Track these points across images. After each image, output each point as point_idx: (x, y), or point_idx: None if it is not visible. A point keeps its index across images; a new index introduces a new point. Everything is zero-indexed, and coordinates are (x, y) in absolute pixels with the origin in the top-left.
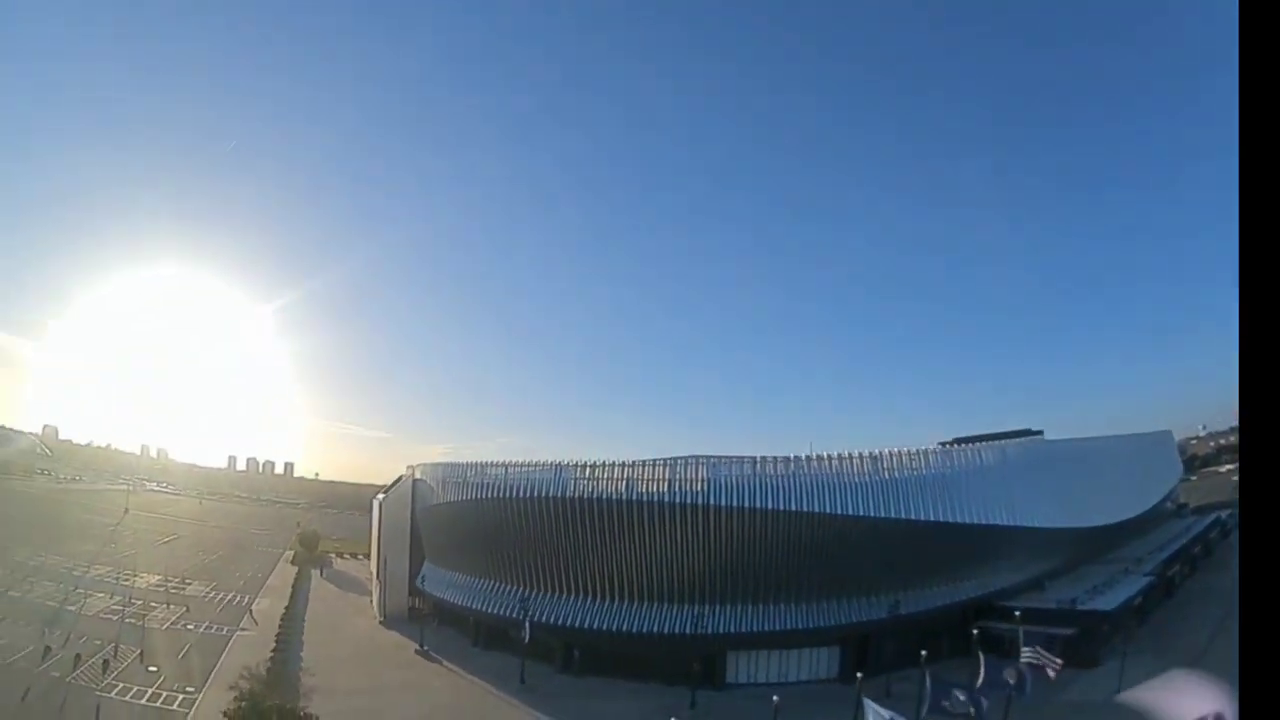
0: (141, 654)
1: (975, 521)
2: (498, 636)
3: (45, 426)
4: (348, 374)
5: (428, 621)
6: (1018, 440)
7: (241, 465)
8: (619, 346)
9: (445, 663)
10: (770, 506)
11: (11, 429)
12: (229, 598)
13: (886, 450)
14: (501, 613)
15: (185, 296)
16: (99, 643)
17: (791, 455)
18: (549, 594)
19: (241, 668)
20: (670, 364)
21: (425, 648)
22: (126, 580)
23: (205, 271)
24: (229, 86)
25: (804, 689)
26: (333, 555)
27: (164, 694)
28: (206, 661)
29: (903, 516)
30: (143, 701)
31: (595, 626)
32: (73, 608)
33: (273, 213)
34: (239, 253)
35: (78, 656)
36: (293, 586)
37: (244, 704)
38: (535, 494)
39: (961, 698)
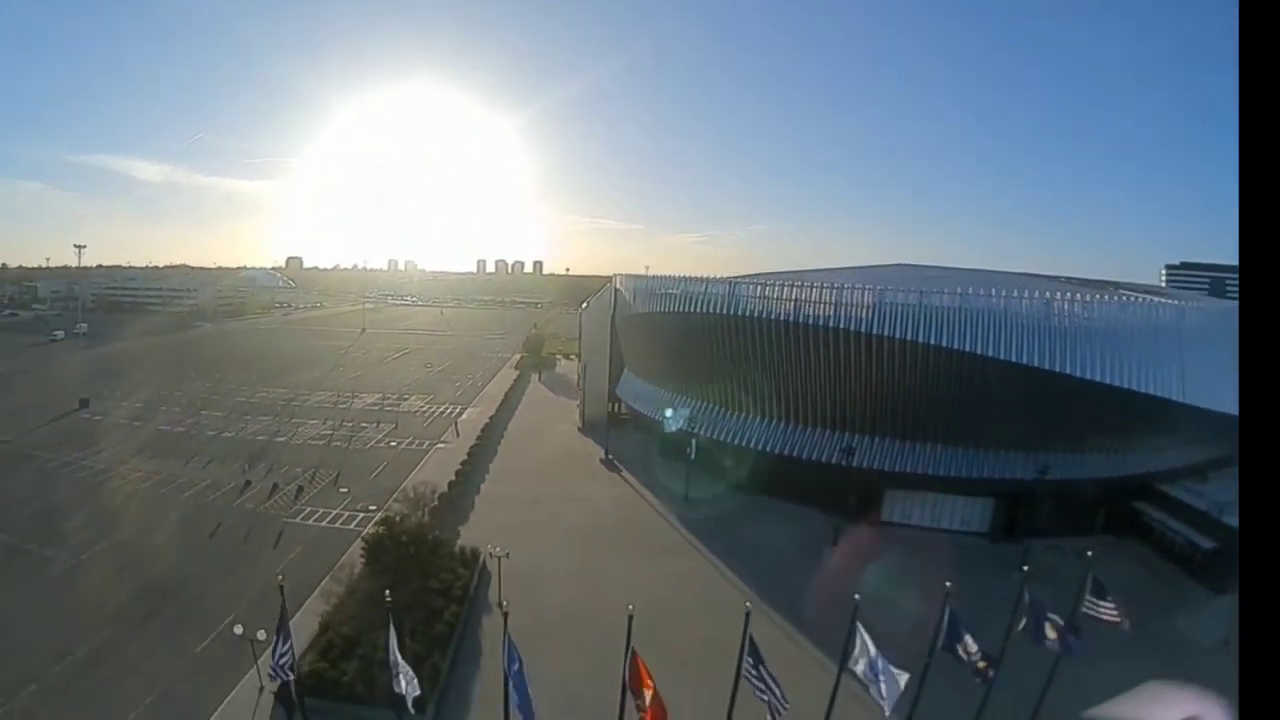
0: (338, 477)
1: (1145, 390)
2: (679, 447)
3: (289, 259)
4: (600, 171)
5: (624, 428)
6: (1199, 304)
7: (490, 268)
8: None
9: (624, 472)
10: (934, 342)
11: (256, 269)
12: (441, 411)
13: (1059, 295)
14: (680, 427)
15: (433, 112)
16: (300, 470)
17: (960, 290)
18: (720, 409)
19: (420, 484)
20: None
21: (610, 457)
22: (344, 404)
23: (454, 88)
24: None
25: (954, 540)
26: (559, 356)
27: (345, 514)
28: (396, 479)
29: (1072, 373)
30: (324, 524)
31: (760, 446)
32: (283, 439)
33: (524, 20)
34: (487, 66)
35: (275, 486)
36: (506, 394)
37: (380, 529)
38: (710, 309)
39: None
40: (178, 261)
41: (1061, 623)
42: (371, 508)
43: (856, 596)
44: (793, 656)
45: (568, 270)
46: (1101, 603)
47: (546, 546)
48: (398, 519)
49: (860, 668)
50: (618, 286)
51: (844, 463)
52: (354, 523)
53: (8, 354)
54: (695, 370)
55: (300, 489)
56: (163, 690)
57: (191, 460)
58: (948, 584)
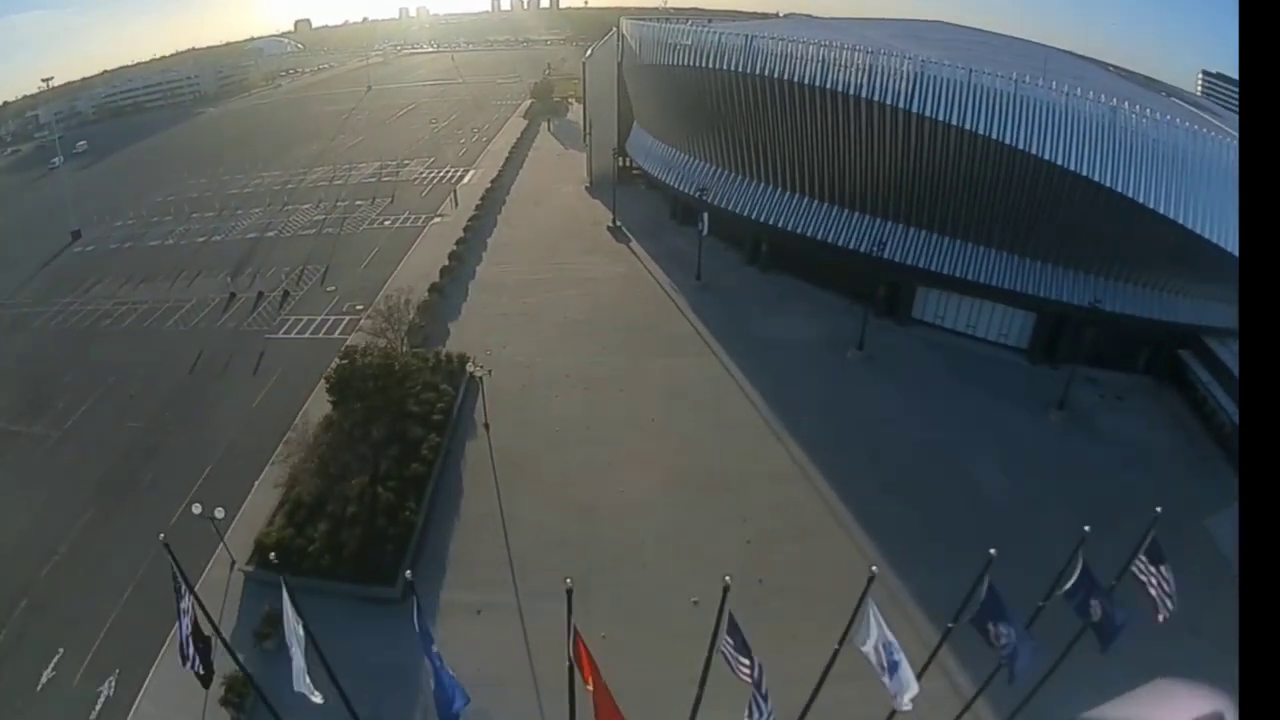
0: (325, 273)
1: (1207, 236)
2: (693, 214)
3: (297, 22)
4: None
5: (635, 186)
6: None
7: (505, 4)
8: None
9: (633, 243)
10: (982, 130)
11: (263, 39)
12: (442, 176)
13: (1125, 104)
14: (691, 191)
15: None
16: (287, 270)
17: (1017, 76)
18: (737, 177)
19: (396, 292)
20: None
21: (618, 224)
22: (340, 180)
23: None
24: None
25: (989, 356)
26: (571, 100)
27: (329, 320)
28: (387, 268)
29: (1136, 198)
30: (306, 335)
31: (780, 223)
32: (273, 233)
33: None
34: None
35: (260, 295)
36: (512, 150)
37: (343, 362)
38: (725, 65)
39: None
40: (184, 49)
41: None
42: (359, 307)
43: (874, 570)
44: (809, 509)
45: (586, 3)
46: (1155, 571)
47: (543, 343)
48: (361, 350)
49: (868, 648)
50: (624, 33)
51: (875, 253)
52: (339, 329)
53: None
54: (710, 132)
55: (286, 294)
56: (135, 586)
57: (179, 278)
58: (992, 551)
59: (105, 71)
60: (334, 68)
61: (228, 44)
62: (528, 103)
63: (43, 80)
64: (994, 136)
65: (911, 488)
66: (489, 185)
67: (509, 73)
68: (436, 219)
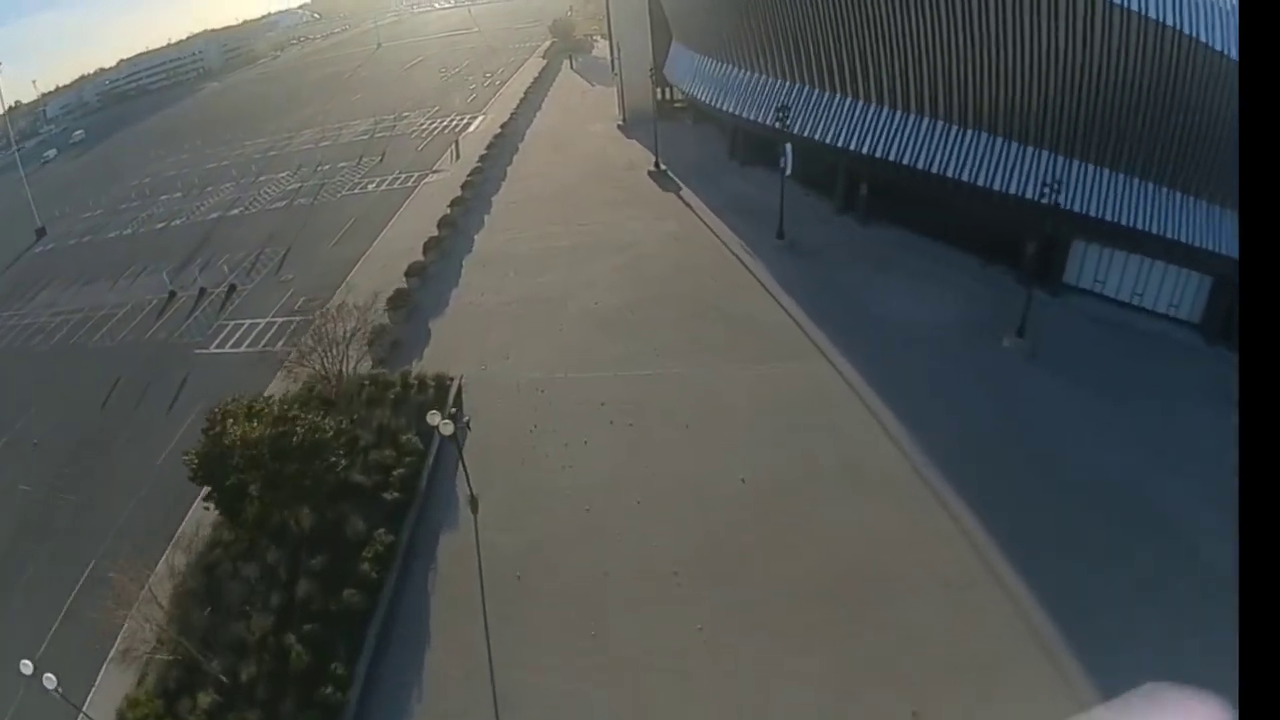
0: (284, 257)
1: None
2: (763, 149)
3: None
4: None
5: (679, 122)
6: None
7: None
8: None
9: (683, 190)
10: (1203, 38)
11: (279, 13)
12: (444, 125)
13: None
14: (764, 119)
15: None
16: (241, 255)
17: None
18: (825, 94)
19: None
20: None
21: (662, 167)
22: (328, 141)
23: None
24: None
25: (1156, 332)
26: (596, 37)
27: (275, 324)
28: (359, 246)
29: None
30: (243, 349)
31: (892, 155)
32: (237, 211)
33: None
34: None
35: (202, 293)
36: (528, 91)
37: (205, 445)
38: None
39: None
40: (197, 31)
41: None
42: (314, 297)
43: None
44: (1006, 645)
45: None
46: None
47: (563, 347)
48: (247, 408)
49: None
50: None
51: (1045, 198)
52: (285, 336)
53: None
54: (787, 35)
55: (231, 289)
56: None
57: (123, 276)
58: None
59: (121, 61)
60: (345, 31)
61: (244, 22)
62: (548, 43)
63: (32, 83)
64: (1211, 44)
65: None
66: (498, 131)
67: (528, 18)
68: (432, 176)
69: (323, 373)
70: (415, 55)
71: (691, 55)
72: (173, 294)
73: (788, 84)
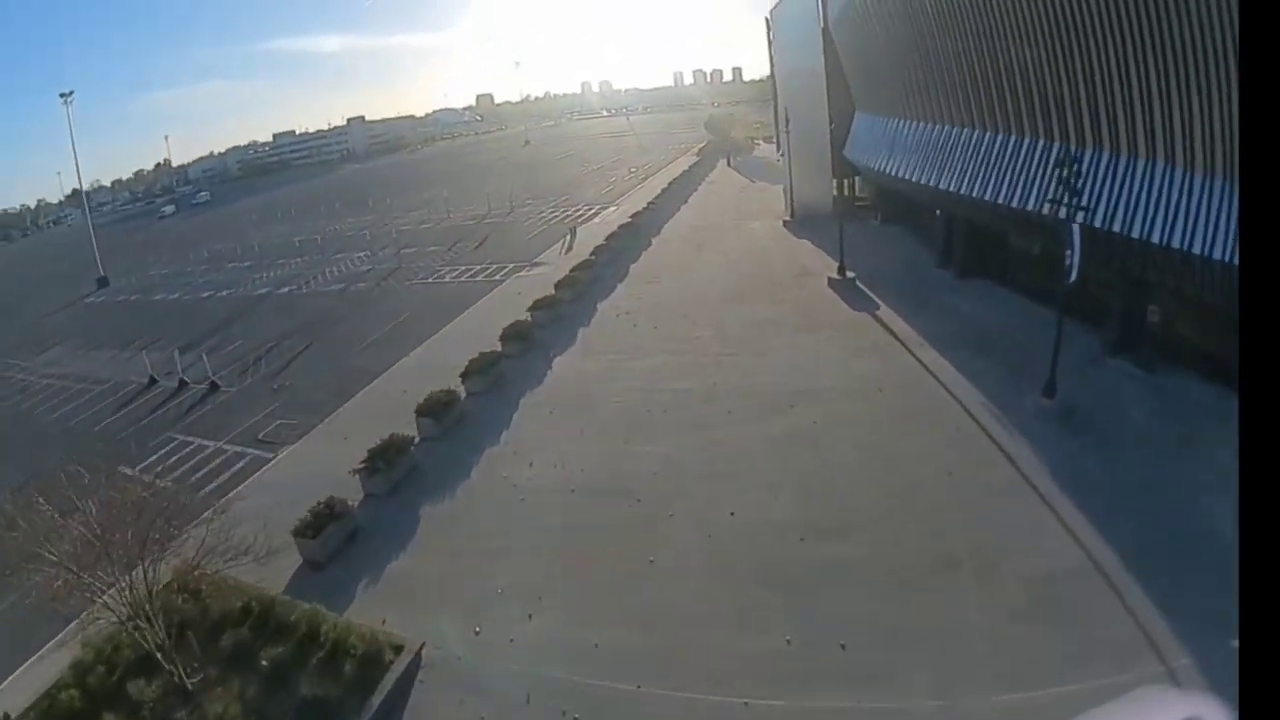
0: (301, 352)
1: None
2: (994, 253)
3: (479, 96)
4: None
5: (867, 223)
6: None
7: (688, 79)
8: None
9: (880, 309)
10: None
11: (442, 111)
12: (566, 215)
13: None
14: (1014, 198)
15: None
16: (252, 346)
17: None
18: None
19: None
20: None
21: (849, 274)
22: (428, 224)
23: None
24: None
25: None
26: (759, 140)
27: (228, 453)
28: (389, 354)
29: None
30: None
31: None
32: (288, 289)
33: None
34: None
35: (181, 385)
36: (671, 183)
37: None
38: None
39: None
40: (355, 117)
41: None
42: (294, 424)
43: None
44: None
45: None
46: None
47: (641, 628)
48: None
49: None
50: None
51: None
52: (234, 468)
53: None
54: (1064, 65)
55: (214, 387)
56: None
57: (131, 345)
58: None
59: (275, 135)
60: (499, 131)
61: (406, 116)
62: (704, 143)
63: (163, 159)
64: None
65: None
66: (626, 221)
67: (685, 126)
68: (530, 270)
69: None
70: (562, 151)
71: (885, 122)
72: (152, 380)
73: (1057, 145)
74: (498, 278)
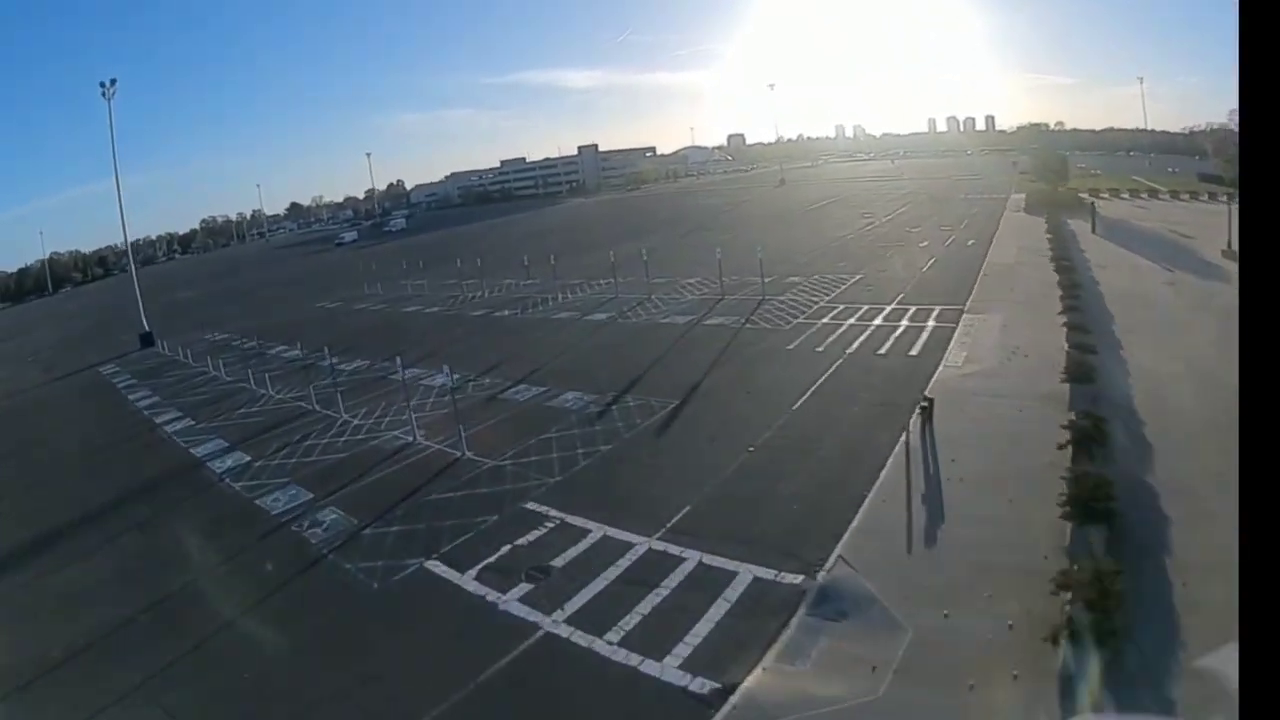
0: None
1: None
2: None
3: (730, 136)
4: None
5: None
6: None
7: (942, 126)
8: None
9: None
10: None
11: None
12: (868, 332)
13: None
14: None
15: None
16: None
17: None
18: None
19: None
20: None
21: None
22: (635, 295)
23: None
24: None
25: None
26: (1090, 196)
27: None
28: None
29: None
30: None
31: None
32: (432, 383)
33: None
34: None
35: None
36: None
37: None
38: None
39: None
40: (588, 145)
41: None
42: None
43: None
44: None
45: (1023, 125)
46: None
47: None
48: None
49: None
50: None
51: None
52: None
53: (217, 271)
54: None
55: None
56: None
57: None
58: None
59: (502, 162)
60: (749, 170)
61: (648, 148)
62: (1020, 195)
63: (392, 182)
64: None
65: None
66: (1058, 381)
67: (962, 171)
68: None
69: None
70: (825, 195)
71: None
72: None
73: None
74: (769, 420)
